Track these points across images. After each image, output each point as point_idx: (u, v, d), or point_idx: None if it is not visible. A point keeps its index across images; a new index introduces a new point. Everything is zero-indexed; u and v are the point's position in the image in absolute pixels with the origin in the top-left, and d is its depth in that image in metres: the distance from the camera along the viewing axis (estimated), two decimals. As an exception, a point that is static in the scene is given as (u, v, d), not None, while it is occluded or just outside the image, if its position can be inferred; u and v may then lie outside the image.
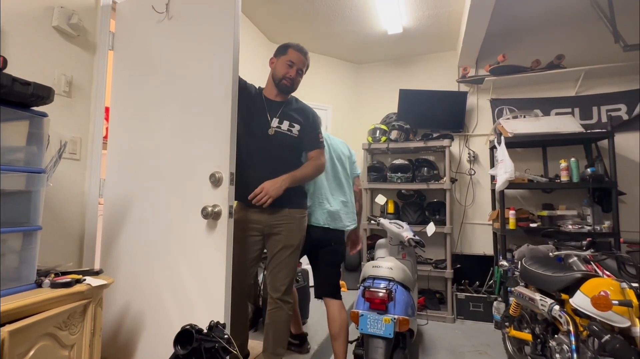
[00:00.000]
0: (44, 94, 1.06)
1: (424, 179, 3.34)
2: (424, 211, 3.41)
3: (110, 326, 1.52)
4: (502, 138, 2.88)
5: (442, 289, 3.36)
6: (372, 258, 2.45)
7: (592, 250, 1.95)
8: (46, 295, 1.01)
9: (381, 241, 2.59)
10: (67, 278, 1.10)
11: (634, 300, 1.42)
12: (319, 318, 2.68)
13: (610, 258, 1.84)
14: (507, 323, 2.32)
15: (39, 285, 1.07)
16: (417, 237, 2.34)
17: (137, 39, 1.63)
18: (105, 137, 1.69)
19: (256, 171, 1.64)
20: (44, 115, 1.11)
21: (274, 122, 1.66)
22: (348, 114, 4.04)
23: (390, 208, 3.50)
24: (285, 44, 1.72)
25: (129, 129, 1.61)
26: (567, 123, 2.93)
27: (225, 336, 0.76)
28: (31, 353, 0.92)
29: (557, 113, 3.24)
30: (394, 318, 1.71)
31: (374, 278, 1.99)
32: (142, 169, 1.54)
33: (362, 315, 1.76)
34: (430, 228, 2.62)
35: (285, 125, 1.67)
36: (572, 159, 2.82)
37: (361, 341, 1.87)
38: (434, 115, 3.53)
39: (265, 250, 1.75)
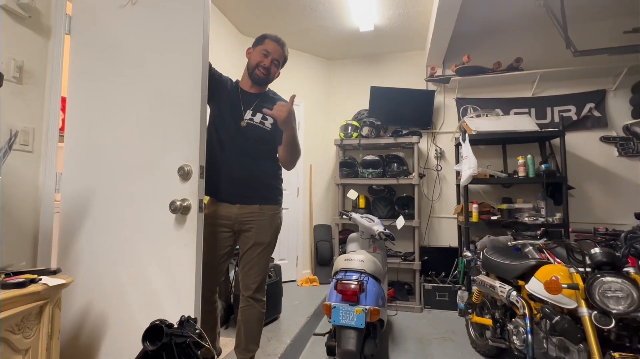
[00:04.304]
0: (-10, 79, 0.97)
1: (394, 174, 3.44)
2: (394, 206, 3.51)
3: (71, 328, 1.43)
4: (467, 135, 3.02)
5: (411, 280, 3.49)
6: (344, 252, 2.49)
7: (545, 239, 2.11)
8: (-4, 296, 0.93)
9: (353, 235, 2.64)
10: (20, 278, 1.02)
11: (580, 284, 1.55)
12: (291, 313, 2.69)
13: (561, 246, 2.00)
14: (470, 310, 2.46)
15: (-13, 286, 0.99)
16: (387, 231, 2.42)
17: (98, 24, 1.53)
18: (62, 129, 1.58)
19: (227, 164, 1.61)
20: (-9, 101, 1.02)
21: (247, 114, 1.63)
22: (320, 110, 4.06)
23: (362, 203, 3.57)
24: (263, 35, 1.68)
25: (88, 121, 1.51)
26: (524, 123, 3.14)
27: (197, 330, 0.74)
28: (-21, 359, 0.85)
29: (515, 113, 3.45)
30: (365, 309, 1.76)
31: (346, 270, 2.03)
32: (104, 162, 1.46)
33: (335, 307, 1.79)
34: (400, 222, 2.71)
35: (258, 117, 1.63)
36: (529, 156, 3.02)
37: (333, 333, 1.90)
38: (404, 112, 3.63)
39: (237, 247, 1.72)
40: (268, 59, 1.63)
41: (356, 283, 1.82)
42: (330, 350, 1.84)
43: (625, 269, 1.54)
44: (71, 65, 1.56)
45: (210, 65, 1.58)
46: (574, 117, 3.33)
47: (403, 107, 3.62)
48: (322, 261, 3.74)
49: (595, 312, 1.49)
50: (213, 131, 1.63)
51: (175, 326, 0.75)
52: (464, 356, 2.32)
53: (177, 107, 1.36)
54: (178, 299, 1.29)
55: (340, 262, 2.15)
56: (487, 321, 2.20)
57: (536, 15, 3.01)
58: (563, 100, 3.38)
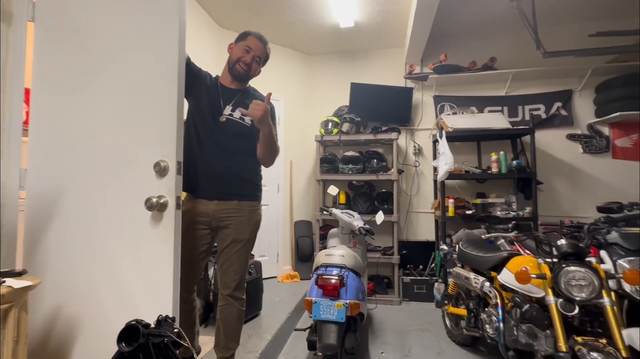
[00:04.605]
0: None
1: (374, 170, 3.48)
2: (374, 201, 3.56)
3: (40, 331, 1.36)
4: (443, 132, 3.10)
5: (390, 274, 3.56)
6: (325, 248, 2.51)
7: (516, 232, 2.21)
8: (-46, 300, 0.88)
9: (333, 230, 2.66)
10: (-19, 281, 0.96)
11: (548, 273, 1.64)
12: (272, 310, 2.68)
13: (530, 239, 2.11)
14: (446, 301, 2.54)
15: (-56, 290, 0.93)
16: (367, 226, 2.45)
17: (65, 11, 1.45)
18: (26, 123, 1.48)
19: (205, 160, 1.58)
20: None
21: (227, 110, 1.60)
22: (301, 106, 4.03)
23: (342, 199, 3.60)
24: (246, 31, 1.67)
25: (55, 114, 1.43)
26: (497, 120, 3.26)
27: (175, 330, 0.72)
28: (-64, 367, 0.80)
29: (489, 111, 3.57)
30: (346, 303, 1.78)
31: (327, 266, 2.04)
32: (74, 158, 1.39)
33: (316, 302, 1.80)
34: (380, 217, 2.75)
35: (237, 113, 1.61)
36: (501, 152, 3.15)
37: (314, 328, 1.91)
38: (383, 109, 3.68)
39: (215, 244, 1.69)
40: (250, 55, 1.61)
41: (337, 278, 1.84)
42: (311, 345, 1.86)
43: (587, 259, 1.64)
44: (35, 54, 1.47)
45: (188, 59, 1.54)
46: (543, 116, 3.49)
47: (382, 104, 3.66)
48: (303, 257, 3.75)
49: (560, 300, 1.59)
50: (191, 126, 1.60)
51: (153, 326, 0.73)
52: (440, 346, 2.40)
53: (153, 101, 1.31)
54: (155, 298, 1.26)
55: (321, 257, 2.16)
56: (462, 311, 2.29)
57: (509, 16, 3.11)
58: (533, 99, 3.53)
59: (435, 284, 2.87)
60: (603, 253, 1.75)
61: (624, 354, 1.41)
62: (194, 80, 1.57)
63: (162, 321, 0.76)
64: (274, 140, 1.62)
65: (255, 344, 2.09)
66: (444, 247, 2.64)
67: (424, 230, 3.72)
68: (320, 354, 1.77)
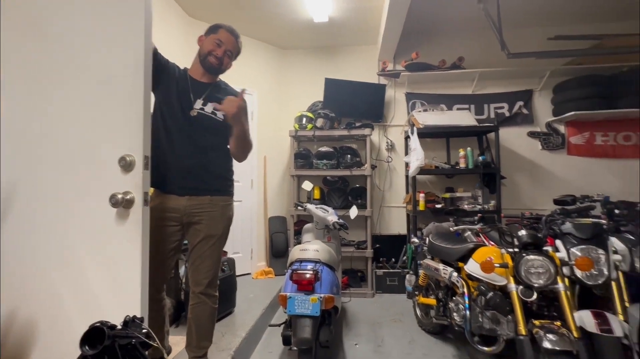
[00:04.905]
0: None
1: (348, 166, 3.52)
2: (348, 196, 3.60)
3: (-10, 339, 1.27)
4: (415, 129, 3.19)
5: (364, 268, 3.63)
6: (300, 243, 2.51)
7: (481, 224, 2.32)
8: None
9: (308, 225, 2.66)
10: None
11: (510, 262, 1.74)
12: (246, 307, 2.66)
13: (494, 230, 2.22)
14: (416, 292, 2.63)
15: None
16: (341, 221, 2.48)
17: (17, -6, 1.33)
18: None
19: (175, 154, 1.53)
20: None
21: (198, 104, 1.56)
22: (274, 100, 3.99)
23: (317, 194, 3.61)
24: (217, 24, 1.62)
25: (13, 107, 1.32)
26: (465, 118, 3.39)
27: (144, 330, 0.70)
28: None
29: (458, 109, 3.71)
30: (321, 297, 1.80)
31: (301, 260, 2.05)
32: (31, 153, 1.29)
33: (290, 297, 1.81)
34: (353, 212, 2.79)
35: (209, 108, 1.57)
36: (469, 149, 3.29)
37: (289, 323, 1.92)
38: (357, 105, 3.72)
39: (186, 241, 1.65)
40: (221, 48, 1.57)
41: (311, 272, 1.85)
42: (286, 340, 1.86)
43: (545, 248, 1.76)
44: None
45: (155, 50, 1.47)
46: (507, 114, 3.68)
47: (356, 100, 3.70)
48: (278, 252, 3.73)
49: (521, 287, 1.69)
50: (159, 120, 1.53)
51: (120, 327, 0.70)
52: (411, 335, 2.49)
53: (118, 93, 1.25)
54: (122, 299, 1.20)
55: (295, 253, 2.17)
56: (431, 301, 2.38)
57: (477, 18, 3.23)
58: (498, 98, 3.71)
59: (407, 276, 2.97)
60: (558, 243, 1.89)
61: (575, 334, 1.53)
62: (161, 71, 1.51)
63: (129, 322, 0.73)
64: (247, 136, 1.60)
65: (229, 342, 2.06)
66: (415, 240, 2.73)
67: (396, 223, 3.82)
68: (295, 348, 1.78)
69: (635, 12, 3.28)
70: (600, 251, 1.75)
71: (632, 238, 1.86)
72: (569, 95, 3.38)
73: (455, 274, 2.08)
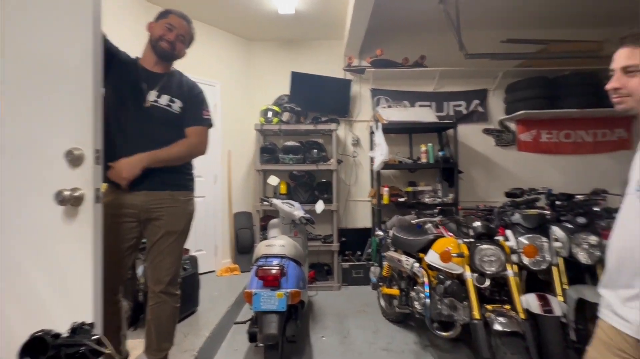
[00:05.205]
0: None
1: (314, 160, 3.53)
2: (314, 191, 3.61)
3: None
4: (379, 124, 3.26)
5: (330, 261, 3.68)
6: (266, 238, 2.48)
7: (441, 217, 2.44)
8: None
9: (274, 221, 2.64)
10: None
11: (465, 252, 1.85)
12: (211, 305, 2.59)
13: (452, 222, 2.35)
14: (381, 284, 2.72)
15: None
16: (307, 215, 2.48)
17: None
18: None
19: (129, 148, 1.44)
20: None
21: (151, 95, 1.47)
22: (239, 92, 3.87)
23: (283, 189, 3.58)
24: (167, 9, 1.54)
25: None
26: (427, 114, 3.53)
27: (95, 336, 0.65)
28: None
29: (420, 105, 3.84)
30: (287, 292, 1.79)
31: (267, 256, 2.03)
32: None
33: (256, 294, 1.78)
34: (320, 206, 2.81)
35: (164, 100, 1.49)
36: (430, 144, 3.43)
37: (255, 320, 1.90)
38: (323, 99, 3.72)
39: (144, 239, 1.57)
40: (173, 33, 1.49)
41: (277, 268, 1.84)
42: (252, 337, 1.84)
43: (496, 237, 1.89)
44: None
45: (104, 36, 1.36)
46: (464, 111, 3.88)
47: (323, 94, 3.70)
48: (243, 249, 3.67)
49: (475, 274, 1.81)
50: (110, 112, 1.43)
51: (66, 334, 0.64)
52: (376, 325, 2.57)
53: (64, 82, 1.13)
54: (72, 304, 1.12)
55: (261, 248, 2.14)
56: (395, 291, 2.47)
57: (438, 18, 3.35)
58: (456, 96, 3.89)
59: (372, 268, 3.05)
60: (508, 232, 2.04)
61: (522, 316, 1.67)
62: (110, 60, 1.40)
63: (77, 329, 0.67)
64: (173, 158, 1.52)
65: (192, 343, 2.00)
66: (379, 233, 2.81)
67: (362, 217, 3.91)
68: (261, 345, 1.77)
69: (579, 21, 3.59)
70: (544, 239, 1.91)
71: (571, 226, 2.06)
72: (519, 95, 3.63)
73: (416, 264, 2.17)
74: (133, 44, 1.62)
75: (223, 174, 3.67)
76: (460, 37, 3.16)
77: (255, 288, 1.82)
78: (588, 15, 3.50)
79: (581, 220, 2.03)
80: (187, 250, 2.54)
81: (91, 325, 0.65)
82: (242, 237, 3.69)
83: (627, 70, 0.91)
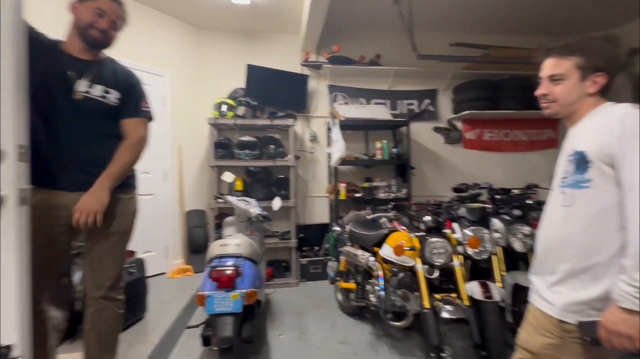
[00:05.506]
0: None
1: (271, 156, 3.46)
2: (271, 187, 3.55)
3: None
4: (337, 121, 3.29)
5: (288, 258, 3.65)
6: (221, 237, 2.39)
7: (395, 212, 2.53)
8: None
9: (229, 219, 2.55)
10: None
11: (417, 245, 1.94)
12: (160, 310, 2.44)
13: (405, 217, 2.45)
14: (338, 278, 2.76)
15: None
16: (264, 212, 2.43)
17: None
18: None
19: (59, 145, 1.29)
20: None
21: (82, 86, 1.32)
22: (190, 84, 3.67)
23: (239, 186, 3.48)
24: None
25: None
26: (382, 112, 3.63)
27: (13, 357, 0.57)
28: None
29: (375, 103, 3.94)
30: (242, 293, 1.74)
31: (221, 256, 1.95)
32: None
33: (209, 296, 1.71)
34: (277, 203, 2.76)
35: (97, 90, 1.35)
36: (384, 141, 3.54)
37: (209, 323, 1.82)
38: (280, 94, 3.66)
39: (81, 244, 1.42)
40: (104, 20, 1.34)
41: (232, 268, 1.77)
42: (206, 340, 1.77)
43: (444, 230, 2.01)
44: None
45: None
46: (417, 110, 4.05)
47: (279, 89, 3.64)
48: (196, 248, 3.51)
49: (426, 266, 1.90)
50: (33, 105, 1.26)
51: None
52: (333, 319, 2.61)
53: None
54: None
55: (215, 248, 2.05)
56: (351, 285, 2.53)
57: (393, 19, 3.44)
58: (409, 95, 4.06)
59: (329, 263, 3.08)
60: (455, 225, 2.17)
61: (466, 303, 1.79)
62: (30, 45, 1.23)
63: (-8, 353, 0.58)
64: (128, 166, 1.43)
65: (140, 351, 1.87)
66: (336, 228, 2.84)
67: (319, 213, 3.93)
68: (215, 348, 1.70)
69: (518, 28, 3.91)
70: (485, 231, 2.07)
71: (508, 218, 2.25)
72: (465, 96, 3.88)
73: (372, 258, 2.23)
74: (55, 24, 1.43)
75: (174, 170, 3.47)
76: (414, 38, 3.28)
77: (208, 290, 1.74)
78: (526, 25, 3.83)
79: (517, 212, 2.23)
80: (132, 253, 2.37)
81: (8, 348, 0.57)
82: (195, 236, 3.52)
83: (552, 79, 1.00)
